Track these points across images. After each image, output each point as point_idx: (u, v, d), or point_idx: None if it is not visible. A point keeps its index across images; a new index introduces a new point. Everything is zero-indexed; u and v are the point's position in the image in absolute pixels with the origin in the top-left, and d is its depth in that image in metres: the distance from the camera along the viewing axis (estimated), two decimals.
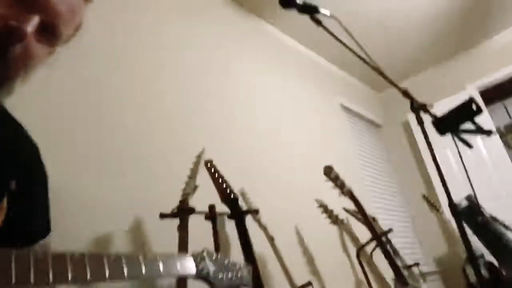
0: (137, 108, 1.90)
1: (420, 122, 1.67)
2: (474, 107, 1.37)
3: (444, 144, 3.82)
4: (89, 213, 1.48)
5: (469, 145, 1.74)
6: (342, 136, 3.81)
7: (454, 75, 4.31)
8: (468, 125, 1.58)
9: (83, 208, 1.47)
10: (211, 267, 0.80)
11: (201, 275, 0.78)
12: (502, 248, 2.96)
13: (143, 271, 0.65)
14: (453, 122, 1.48)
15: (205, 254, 0.81)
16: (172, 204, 1.56)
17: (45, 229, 0.75)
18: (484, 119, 3.93)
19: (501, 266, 2.94)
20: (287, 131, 2.99)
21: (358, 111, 4.26)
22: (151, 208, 1.62)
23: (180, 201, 1.53)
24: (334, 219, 2.51)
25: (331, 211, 2.53)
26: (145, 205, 1.66)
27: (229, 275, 0.84)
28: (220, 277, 0.82)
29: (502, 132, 4.57)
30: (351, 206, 2.62)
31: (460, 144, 2.02)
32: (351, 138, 3.92)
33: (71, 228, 1.36)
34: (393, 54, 4.12)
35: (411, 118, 4.21)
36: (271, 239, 1.95)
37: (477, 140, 4.21)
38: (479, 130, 1.42)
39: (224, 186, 1.75)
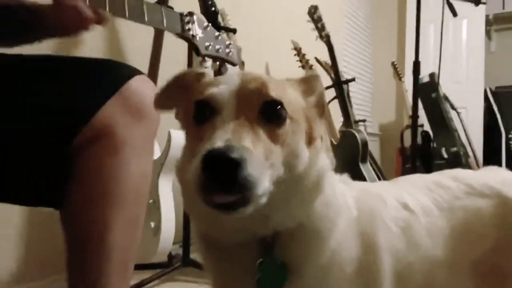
0: None
1: None
2: None
3: (430, 19, 3.78)
4: None
5: (454, 13, 1.76)
6: None
7: None
8: None
9: None
10: (198, 32, 0.83)
11: (185, 35, 0.81)
12: (441, 124, 3.29)
13: (126, 13, 0.70)
14: None
15: (195, 18, 0.83)
16: None
17: None
18: None
19: (434, 138, 3.33)
20: None
21: None
22: None
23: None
24: (304, 63, 2.59)
25: (304, 55, 2.59)
26: None
27: (217, 47, 0.87)
28: (206, 45, 0.85)
29: (490, 21, 4.52)
30: (322, 56, 2.68)
31: (445, 18, 2.02)
32: None
33: None
34: None
35: None
36: (241, 63, 2.02)
37: (464, 24, 4.18)
38: None
39: None
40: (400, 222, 0.57)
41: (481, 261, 0.60)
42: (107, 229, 0.66)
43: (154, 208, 1.56)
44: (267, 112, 0.45)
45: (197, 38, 0.83)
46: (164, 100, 0.56)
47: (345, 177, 0.60)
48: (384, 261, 0.53)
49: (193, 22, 0.83)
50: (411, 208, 0.59)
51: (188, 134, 0.51)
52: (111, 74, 0.68)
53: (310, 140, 0.50)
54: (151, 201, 1.58)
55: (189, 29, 0.82)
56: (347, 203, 0.55)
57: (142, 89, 0.68)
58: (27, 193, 0.70)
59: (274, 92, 0.46)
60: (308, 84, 0.53)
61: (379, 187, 0.63)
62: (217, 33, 0.88)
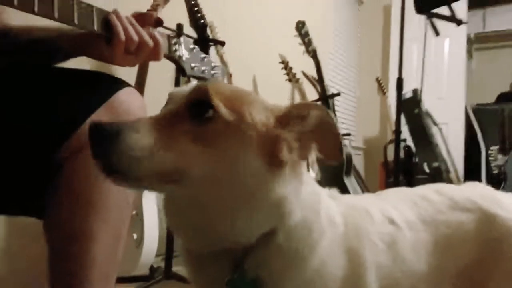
0: None
1: None
2: None
3: (414, 38, 3.88)
4: None
5: (436, 32, 1.81)
6: (322, 1, 3.68)
7: None
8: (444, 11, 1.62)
9: None
10: (185, 53, 0.84)
11: (171, 56, 0.82)
12: (423, 139, 3.36)
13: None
14: (433, 2, 1.51)
15: (182, 40, 0.84)
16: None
17: None
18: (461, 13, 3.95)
19: (416, 153, 3.39)
20: None
21: None
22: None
23: (149, 10, 1.49)
24: (291, 77, 2.62)
25: (291, 69, 2.62)
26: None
27: (203, 68, 0.88)
28: (192, 65, 0.86)
29: (471, 40, 4.67)
30: (309, 70, 2.72)
31: (428, 35, 2.08)
32: (330, 5, 3.81)
33: None
34: None
35: (395, 2, 4.12)
36: (229, 75, 2.03)
37: (446, 43, 4.31)
38: (452, 17, 1.47)
39: (196, 9, 1.72)
40: (386, 238, 0.57)
41: (463, 275, 0.61)
42: (91, 239, 0.66)
43: (137, 220, 1.54)
44: (193, 109, 0.47)
45: (184, 59, 0.84)
46: None
47: (334, 191, 0.61)
48: (370, 277, 0.53)
49: (180, 44, 0.84)
50: (397, 222, 0.60)
51: None
52: (100, 86, 0.70)
53: (274, 160, 0.48)
54: (134, 212, 1.56)
55: (175, 50, 0.83)
56: (334, 220, 0.55)
57: (130, 100, 0.71)
58: (10, 202, 0.70)
59: (213, 96, 0.47)
60: (300, 111, 0.51)
61: (365, 201, 0.64)
62: (203, 55, 0.89)
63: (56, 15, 0.65)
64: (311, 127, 0.51)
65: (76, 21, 0.68)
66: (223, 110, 0.46)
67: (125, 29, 0.71)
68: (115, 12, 0.73)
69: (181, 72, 0.87)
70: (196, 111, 0.47)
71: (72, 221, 0.66)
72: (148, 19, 0.77)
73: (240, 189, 0.47)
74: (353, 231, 0.55)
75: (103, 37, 0.72)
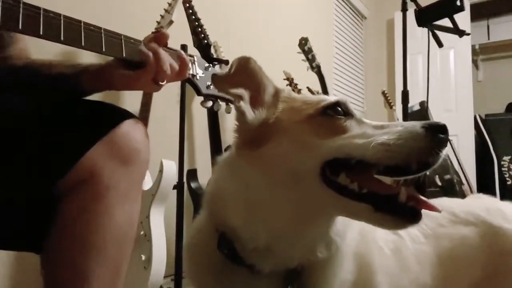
0: None
1: (404, 9, 1.70)
2: (458, 2, 1.39)
3: (418, 50, 3.89)
4: None
5: (439, 44, 1.81)
6: (324, 17, 3.72)
7: None
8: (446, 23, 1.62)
9: None
10: (199, 71, 0.83)
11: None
12: None
13: (123, 51, 0.71)
14: (434, 15, 1.52)
15: (195, 58, 0.84)
16: (144, 33, 1.55)
17: None
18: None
19: None
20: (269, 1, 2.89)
21: None
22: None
23: (153, 32, 1.52)
24: (297, 93, 2.63)
25: (296, 85, 2.63)
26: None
27: None
28: (208, 84, 0.85)
29: (476, 51, 4.66)
30: (314, 85, 2.73)
31: (431, 49, 2.08)
32: (332, 21, 3.85)
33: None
34: None
35: (397, 16, 4.15)
36: None
37: (451, 54, 4.30)
38: (454, 29, 1.48)
39: (200, 30, 1.75)
40: (391, 245, 0.57)
41: None
42: (89, 278, 0.63)
43: (144, 241, 1.53)
44: None
45: (197, 78, 0.83)
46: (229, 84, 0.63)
47: None
48: (381, 280, 0.53)
49: (193, 62, 0.84)
50: (399, 232, 0.59)
51: (299, 126, 0.58)
52: (101, 117, 0.67)
53: None
54: (142, 233, 1.56)
55: (189, 69, 0.83)
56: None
57: (132, 133, 0.68)
58: (8, 237, 0.68)
59: None
60: None
61: None
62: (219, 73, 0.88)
63: (83, 43, 0.66)
64: None
65: (104, 49, 0.68)
66: None
67: (158, 60, 0.71)
68: (145, 41, 0.73)
69: (195, 90, 0.85)
70: None
71: (67, 260, 0.63)
72: (163, 40, 0.76)
73: None
74: (358, 235, 0.55)
75: (130, 65, 0.71)
